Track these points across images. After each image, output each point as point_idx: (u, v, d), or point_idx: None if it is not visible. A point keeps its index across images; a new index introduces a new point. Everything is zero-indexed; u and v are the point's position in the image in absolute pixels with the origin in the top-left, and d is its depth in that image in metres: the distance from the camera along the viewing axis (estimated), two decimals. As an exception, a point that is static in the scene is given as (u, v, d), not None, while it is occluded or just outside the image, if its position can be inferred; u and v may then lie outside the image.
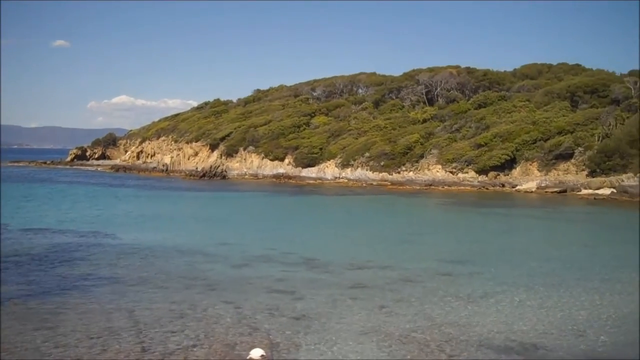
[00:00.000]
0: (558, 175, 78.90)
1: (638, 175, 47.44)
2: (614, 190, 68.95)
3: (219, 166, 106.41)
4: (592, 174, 75.09)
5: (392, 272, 26.43)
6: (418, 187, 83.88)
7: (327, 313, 19.58)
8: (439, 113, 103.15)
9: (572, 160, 79.12)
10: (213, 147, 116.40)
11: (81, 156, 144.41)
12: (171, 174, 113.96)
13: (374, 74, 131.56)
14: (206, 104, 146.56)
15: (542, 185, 77.55)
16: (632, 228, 43.92)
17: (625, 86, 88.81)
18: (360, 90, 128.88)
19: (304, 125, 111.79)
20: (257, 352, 10.06)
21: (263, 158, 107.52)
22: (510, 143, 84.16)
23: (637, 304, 21.06)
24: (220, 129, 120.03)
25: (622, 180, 69.38)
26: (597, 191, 70.41)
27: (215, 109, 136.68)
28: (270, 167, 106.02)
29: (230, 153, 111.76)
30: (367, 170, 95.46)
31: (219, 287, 23.14)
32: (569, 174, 78.14)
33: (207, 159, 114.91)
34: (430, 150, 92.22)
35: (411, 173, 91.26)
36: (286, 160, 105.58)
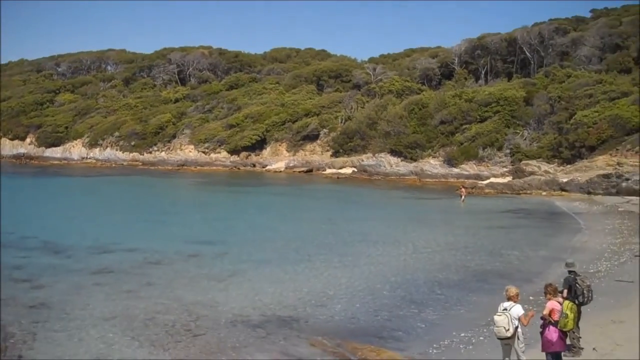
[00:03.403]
0: (305, 155, 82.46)
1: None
2: (355, 169, 73.85)
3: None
4: (336, 154, 79.56)
5: (139, 254, 25.97)
6: (170, 168, 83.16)
7: (68, 300, 18.77)
8: (192, 93, 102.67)
9: (318, 141, 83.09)
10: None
11: None
12: None
13: (123, 51, 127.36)
14: None
15: (291, 165, 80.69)
16: (369, 204, 47.35)
17: (366, 72, 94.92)
18: (109, 68, 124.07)
19: (48, 103, 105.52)
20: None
21: (1, 137, 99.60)
22: (261, 124, 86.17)
23: (367, 275, 22.76)
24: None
25: (362, 160, 74.43)
26: (340, 170, 74.92)
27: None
28: (10, 147, 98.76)
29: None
30: (117, 150, 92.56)
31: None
32: (315, 154, 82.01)
33: None
34: (183, 130, 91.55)
35: (163, 153, 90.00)
36: (28, 140, 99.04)
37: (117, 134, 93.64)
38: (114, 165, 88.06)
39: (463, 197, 48.09)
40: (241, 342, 15.60)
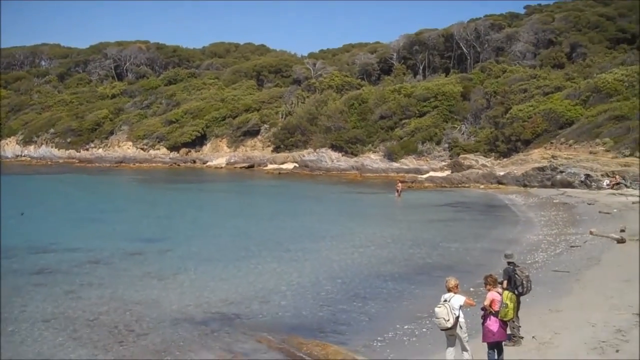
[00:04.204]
0: (246, 151, 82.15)
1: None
2: (297, 165, 73.99)
3: None
4: (277, 149, 79.50)
5: (79, 254, 25.46)
6: (108, 165, 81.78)
7: (7, 303, 18.26)
8: (129, 88, 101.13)
9: (259, 137, 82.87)
10: None
11: None
12: None
13: (57, 45, 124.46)
14: None
15: (232, 160, 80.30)
16: (312, 200, 47.47)
17: (306, 67, 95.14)
18: (43, 63, 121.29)
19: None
20: None
21: None
22: (201, 120, 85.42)
23: (311, 270, 22.86)
24: None
25: (304, 155, 74.60)
26: (281, 165, 74.96)
27: None
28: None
29: None
30: (52, 147, 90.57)
31: None
32: (256, 149, 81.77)
33: None
34: (121, 126, 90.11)
35: (100, 150, 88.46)
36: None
37: (52, 130, 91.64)
38: (49, 162, 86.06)
39: (399, 191, 48.24)
40: (185, 340, 15.45)
